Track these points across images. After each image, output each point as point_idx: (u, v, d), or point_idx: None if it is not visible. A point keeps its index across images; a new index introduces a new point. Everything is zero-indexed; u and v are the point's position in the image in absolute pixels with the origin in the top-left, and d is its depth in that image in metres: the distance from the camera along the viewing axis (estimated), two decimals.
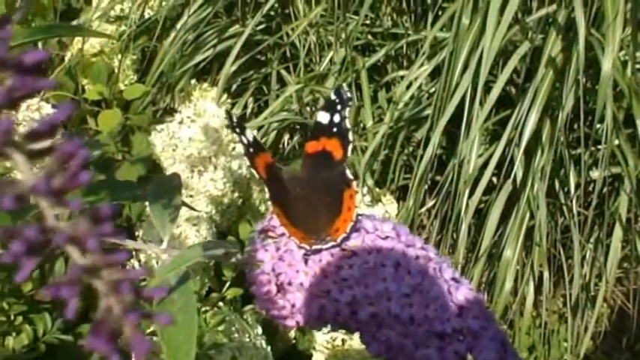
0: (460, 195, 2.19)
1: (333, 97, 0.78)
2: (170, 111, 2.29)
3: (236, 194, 2.05)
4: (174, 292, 0.73)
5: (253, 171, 0.77)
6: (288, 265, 0.69)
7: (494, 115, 2.28)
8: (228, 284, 1.82)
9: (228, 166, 2.04)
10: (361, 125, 2.23)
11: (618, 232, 2.22)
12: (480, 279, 2.29)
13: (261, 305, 0.70)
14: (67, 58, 2.27)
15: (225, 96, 2.28)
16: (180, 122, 2.05)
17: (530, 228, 2.19)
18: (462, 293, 0.70)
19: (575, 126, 2.24)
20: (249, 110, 2.39)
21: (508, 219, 2.20)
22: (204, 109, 2.08)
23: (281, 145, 2.43)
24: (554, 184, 2.28)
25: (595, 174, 2.26)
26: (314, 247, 0.69)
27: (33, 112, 1.94)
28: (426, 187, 2.32)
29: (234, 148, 2.08)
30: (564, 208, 2.25)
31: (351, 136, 0.78)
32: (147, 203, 1.90)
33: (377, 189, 2.15)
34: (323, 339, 1.94)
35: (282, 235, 0.71)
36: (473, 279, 2.21)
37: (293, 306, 0.69)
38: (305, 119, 2.29)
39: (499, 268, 2.16)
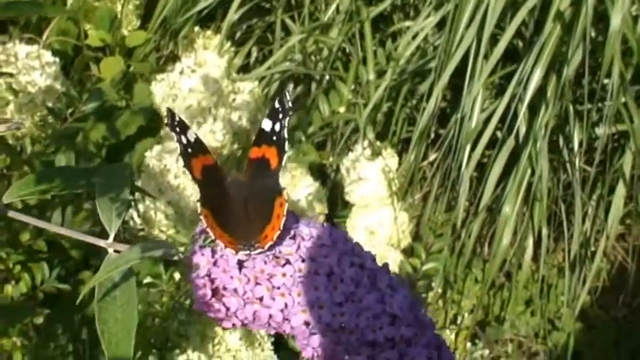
0: (462, 149, 2.18)
1: (276, 105, 0.77)
2: (173, 58, 2.27)
3: (235, 146, 2.05)
4: (117, 289, 0.73)
5: (186, 171, 0.76)
6: (223, 271, 0.69)
7: (500, 69, 2.24)
8: None
9: (227, 118, 2.03)
10: (365, 78, 2.20)
11: (621, 190, 2.20)
12: (480, 232, 2.29)
13: (199, 307, 0.71)
14: (69, 2, 2.25)
15: (228, 44, 2.26)
16: (181, 72, 2.04)
17: (531, 184, 2.18)
18: (397, 301, 0.70)
19: (582, 82, 2.20)
20: (252, 59, 2.37)
21: (509, 174, 2.18)
22: (205, 59, 2.06)
23: None
24: (557, 140, 2.25)
25: (600, 131, 2.22)
26: (240, 252, 0.69)
27: (33, 60, 1.94)
28: (429, 140, 2.30)
29: (234, 100, 2.07)
30: (567, 164, 2.22)
31: (287, 146, 0.77)
32: (147, 154, 1.92)
33: (378, 142, 2.14)
34: None
35: None
36: (472, 233, 2.21)
37: (228, 309, 0.70)
38: (308, 70, 2.27)
39: (498, 224, 2.15)
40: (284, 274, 0.69)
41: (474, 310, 2.21)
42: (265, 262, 0.69)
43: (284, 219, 0.70)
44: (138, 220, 1.94)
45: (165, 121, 0.77)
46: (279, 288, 0.69)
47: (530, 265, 2.27)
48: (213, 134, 2.00)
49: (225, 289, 0.69)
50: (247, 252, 0.69)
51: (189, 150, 0.76)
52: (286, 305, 0.69)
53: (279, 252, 0.70)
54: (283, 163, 0.77)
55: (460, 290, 2.27)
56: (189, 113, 2.01)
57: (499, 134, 2.23)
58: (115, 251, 0.77)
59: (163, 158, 1.92)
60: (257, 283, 0.69)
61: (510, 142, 2.19)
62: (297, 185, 2.09)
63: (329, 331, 0.69)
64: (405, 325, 0.70)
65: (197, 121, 2.00)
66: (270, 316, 0.69)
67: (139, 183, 1.95)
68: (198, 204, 0.72)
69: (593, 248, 2.25)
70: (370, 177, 2.09)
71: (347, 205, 2.15)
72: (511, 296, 2.26)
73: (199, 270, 0.70)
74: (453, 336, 2.21)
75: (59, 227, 0.80)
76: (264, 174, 0.76)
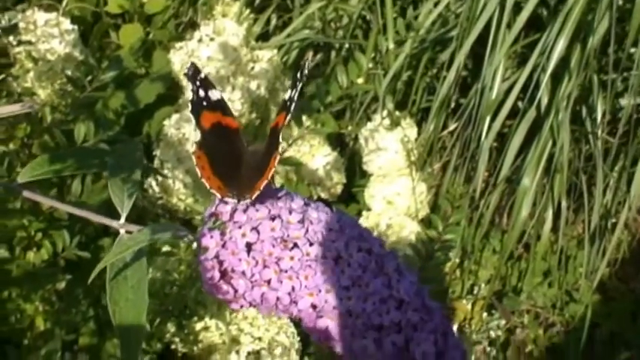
0: (482, 119, 2.17)
1: (297, 75, 0.79)
2: (192, 24, 2.27)
3: (254, 115, 2.05)
4: (128, 270, 0.75)
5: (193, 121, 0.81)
6: (231, 254, 0.70)
7: (523, 38, 2.22)
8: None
9: (246, 87, 2.03)
10: (384, 46, 2.19)
11: None
12: (499, 202, 2.29)
13: (207, 289, 0.72)
14: None
15: (247, 11, 2.25)
16: (200, 40, 2.03)
17: (552, 155, 2.17)
18: (404, 286, 0.71)
19: (607, 51, 2.17)
20: (271, 27, 2.36)
21: (530, 145, 2.17)
22: (224, 27, 2.06)
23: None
24: (580, 110, 2.24)
25: (624, 101, 2.20)
26: (226, 199, 0.72)
27: (52, 27, 1.94)
28: (449, 110, 2.29)
29: (252, 68, 2.07)
30: (590, 135, 2.20)
31: (293, 107, 0.79)
32: (165, 122, 1.93)
33: (397, 112, 2.13)
34: None
35: (229, 221, 0.72)
36: (490, 204, 2.21)
37: (236, 291, 0.71)
38: (328, 38, 2.26)
39: (517, 195, 2.15)
40: (292, 258, 0.70)
41: (491, 281, 2.22)
42: (273, 246, 0.70)
43: (273, 170, 0.72)
44: (157, 189, 1.96)
45: (186, 71, 0.80)
46: (286, 271, 0.70)
47: (549, 237, 2.27)
48: (231, 103, 2.00)
49: (233, 271, 0.70)
50: (233, 200, 0.71)
51: (204, 103, 0.80)
52: (293, 288, 0.70)
53: (288, 236, 0.70)
54: (286, 123, 0.78)
55: (477, 261, 2.27)
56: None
57: (520, 104, 2.22)
58: (127, 232, 0.78)
59: (182, 127, 1.93)
60: (265, 266, 0.70)
61: (532, 113, 2.18)
62: (315, 155, 2.09)
63: (335, 314, 0.70)
64: (411, 309, 0.71)
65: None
66: (278, 299, 0.70)
67: (157, 152, 1.97)
68: (194, 146, 0.75)
69: (613, 220, 2.24)
70: (389, 147, 2.09)
71: (365, 175, 2.15)
72: (529, 267, 2.27)
73: (208, 252, 0.71)
74: (469, 306, 2.22)
75: (72, 207, 0.81)
76: (272, 135, 0.78)
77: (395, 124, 2.12)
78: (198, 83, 0.81)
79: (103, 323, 1.90)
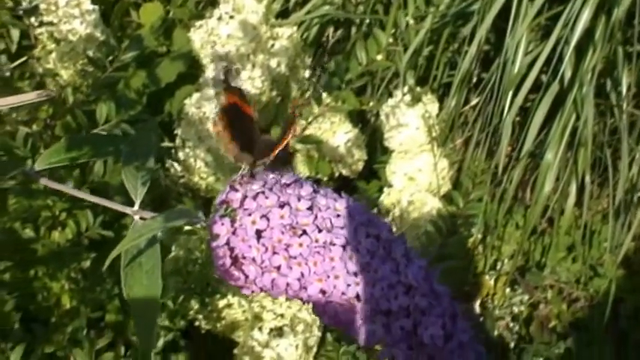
0: (505, 93, 2.16)
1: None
2: (212, 2, 2.28)
3: (274, 92, 2.06)
4: (143, 256, 0.77)
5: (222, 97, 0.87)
6: (242, 240, 0.72)
7: (547, 10, 2.20)
8: None
9: (266, 64, 2.04)
10: (404, 22, 2.19)
11: None
12: (522, 177, 2.29)
13: (219, 275, 0.74)
14: None
15: None
16: (219, 19, 2.04)
17: (576, 129, 2.15)
18: (412, 271, 0.72)
19: (633, 22, 2.15)
20: (291, 3, 2.36)
21: (553, 119, 2.16)
22: (243, 4, 2.06)
23: (324, 39, 2.41)
24: (605, 83, 2.22)
25: None
26: (237, 187, 0.75)
27: (73, 8, 1.96)
28: (471, 84, 2.28)
29: (272, 46, 2.08)
30: (614, 109, 2.19)
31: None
32: (186, 101, 1.94)
33: (418, 88, 2.13)
34: None
35: (240, 208, 0.74)
36: (513, 179, 2.21)
37: (247, 277, 0.73)
38: (348, 13, 2.26)
39: (540, 170, 2.14)
40: (300, 244, 0.71)
41: (514, 256, 2.22)
42: (282, 233, 0.71)
43: (290, 137, 0.74)
44: (178, 168, 1.98)
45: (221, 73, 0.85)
46: (295, 257, 0.71)
47: (573, 211, 2.27)
48: (251, 81, 2.01)
49: (244, 257, 0.72)
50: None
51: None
52: (302, 274, 0.71)
53: (296, 223, 0.72)
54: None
55: (500, 236, 2.27)
56: (228, 60, 2.02)
57: (543, 78, 2.21)
58: (141, 218, 0.80)
59: (202, 106, 1.95)
60: (274, 253, 0.71)
61: (555, 87, 2.17)
62: (336, 132, 2.10)
63: (344, 299, 0.72)
64: (419, 294, 0.72)
65: (236, 68, 2.02)
66: (288, 285, 0.72)
67: (178, 130, 1.99)
68: (218, 111, 0.78)
69: (639, 194, 2.23)
70: (410, 123, 2.09)
71: (387, 151, 2.16)
72: (552, 242, 2.26)
73: (219, 239, 0.73)
74: (492, 281, 2.23)
75: (87, 194, 0.83)
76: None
77: (416, 100, 2.12)
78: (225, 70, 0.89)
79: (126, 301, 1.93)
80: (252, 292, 0.73)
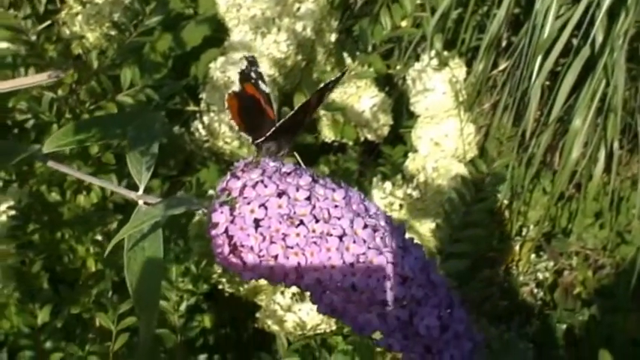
0: (534, 57, 2.13)
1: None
2: None
3: (300, 57, 2.06)
4: (145, 241, 0.78)
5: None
6: (240, 229, 0.73)
7: None
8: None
9: (292, 28, 2.03)
10: None
11: None
12: (551, 141, 2.26)
13: (218, 261, 0.75)
14: None
15: None
16: None
17: (606, 94, 2.12)
18: (408, 262, 0.73)
19: None
20: None
21: (583, 84, 2.13)
22: None
23: (351, 1, 2.38)
24: (637, 48, 2.17)
25: None
26: (238, 174, 0.77)
27: None
28: (500, 48, 2.25)
29: (298, 9, 2.06)
30: None
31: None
32: (211, 65, 1.94)
33: (445, 52, 2.10)
34: (381, 203, 1.99)
35: (239, 196, 0.75)
36: (541, 144, 2.19)
37: (245, 264, 0.74)
38: None
39: (568, 136, 2.12)
40: (297, 234, 0.72)
41: (540, 222, 2.21)
42: (280, 222, 0.72)
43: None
44: (203, 132, 1.99)
45: (247, 58, 0.85)
46: (292, 247, 0.72)
47: (602, 177, 2.24)
48: (277, 45, 2.00)
49: (242, 246, 0.73)
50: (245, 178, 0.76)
51: (252, 81, 0.88)
52: (299, 264, 0.72)
53: (294, 213, 0.72)
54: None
55: (527, 201, 2.26)
56: (254, 23, 2.02)
57: (574, 42, 2.17)
58: (145, 203, 0.81)
59: (227, 70, 1.95)
60: (272, 242, 0.72)
61: (586, 51, 2.13)
62: (362, 96, 2.09)
63: (340, 289, 0.72)
64: (416, 285, 0.73)
65: (261, 31, 2.01)
66: (285, 273, 0.73)
67: (203, 95, 1.99)
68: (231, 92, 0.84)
69: None
70: (436, 88, 2.07)
71: (412, 116, 2.15)
72: (579, 208, 2.25)
73: (218, 227, 0.74)
74: (517, 247, 2.22)
75: (92, 177, 0.84)
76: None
77: (443, 64, 2.10)
78: (253, 69, 0.90)
79: None
80: (251, 278, 0.74)
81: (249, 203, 0.73)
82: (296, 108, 0.80)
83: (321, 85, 0.81)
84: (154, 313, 0.76)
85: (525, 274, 2.18)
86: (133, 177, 0.82)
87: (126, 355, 1.65)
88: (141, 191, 0.81)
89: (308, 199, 0.73)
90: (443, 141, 2.09)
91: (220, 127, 1.95)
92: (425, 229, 1.98)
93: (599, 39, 2.09)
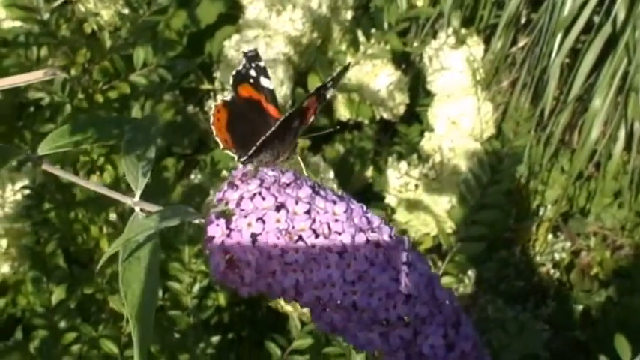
0: (554, 34, 2.06)
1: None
2: None
3: (315, 34, 2.00)
4: (141, 250, 0.74)
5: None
6: (237, 244, 0.68)
7: None
8: None
9: (307, 5, 1.97)
10: None
11: None
12: (570, 120, 2.20)
13: (214, 274, 0.71)
14: None
15: None
16: None
17: (627, 73, 2.05)
18: (412, 280, 0.68)
19: None
20: None
21: (604, 63, 2.06)
22: None
23: None
24: None
25: None
26: (237, 183, 0.72)
27: None
28: (519, 25, 2.18)
29: None
30: None
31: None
32: (225, 44, 1.89)
33: (463, 30, 2.04)
34: (397, 183, 1.95)
35: (236, 208, 0.70)
36: (560, 122, 2.13)
37: (242, 279, 0.70)
38: None
39: (587, 116, 2.05)
40: (296, 250, 0.67)
41: (558, 202, 2.15)
42: (278, 237, 0.68)
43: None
44: None
45: (246, 52, 0.79)
46: (290, 264, 0.67)
47: (622, 156, 2.18)
48: (292, 22, 1.95)
49: (239, 260, 0.69)
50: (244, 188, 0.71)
51: (251, 80, 0.82)
52: (298, 281, 0.68)
53: (293, 227, 0.68)
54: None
55: (544, 181, 2.20)
56: (269, 0, 1.96)
57: (595, 19, 2.09)
58: (142, 210, 0.77)
59: (241, 48, 1.90)
60: (269, 258, 0.68)
61: (607, 29, 2.05)
62: (378, 74, 2.04)
63: (340, 308, 0.68)
64: (420, 303, 0.68)
65: (276, 9, 1.95)
66: (283, 290, 0.69)
67: (217, 74, 1.95)
68: (219, 101, 0.79)
69: None
70: (453, 66, 2.02)
71: (429, 94, 2.09)
72: (598, 188, 2.18)
73: (214, 241, 0.70)
74: (534, 227, 2.17)
75: (88, 182, 0.81)
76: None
77: (460, 42, 2.04)
78: (254, 66, 0.84)
79: (164, 245, 1.93)
80: (249, 293, 0.70)
81: (246, 216, 0.69)
82: (284, 116, 0.75)
83: (319, 85, 0.76)
84: (150, 326, 0.73)
85: (542, 254, 2.13)
86: (129, 182, 0.78)
87: None
88: (137, 197, 0.77)
89: (307, 212, 0.69)
90: (460, 120, 2.03)
91: None
92: (440, 209, 1.93)
93: (621, 16, 2.01)
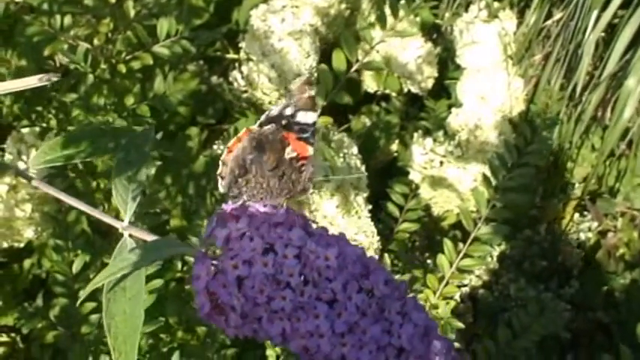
0: (591, 9, 1.94)
1: None
2: None
3: (343, 5, 1.92)
4: (127, 280, 0.69)
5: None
6: (222, 286, 0.63)
7: None
8: (318, 113, 1.74)
9: None
10: None
11: None
12: (603, 97, 2.09)
13: (199, 314, 0.66)
14: None
15: None
16: None
17: None
18: (406, 332, 0.63)
19: None
20: None
21: None
22: None
23: None
24: None
25: None
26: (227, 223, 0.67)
27: None
28: None
29: None
30: None
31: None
32: (252, 13, 1.82)
33: (496, 3, 1.94)
34: (421, 160, 1.88)
35: (225, 245, 0.65)
36: (592, 100, 2.03)
37: (227, 321, 0.65)
38: None
39: (621, 95, 1.95)
40: (284, 298, 0.62)
41: (587, 180, 2.06)
42: (265, 284, 0.62)
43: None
44: (241, 82, 1.89)
45: (299, 80, 0.72)
46: (277, 312, 0.62)
47: None
48: None
49: (224, 304, 0.64)
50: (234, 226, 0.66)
51: (283, 122, 0.75)
52: (284, 330, 0.63)
53: (281, 273, 0.63)
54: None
55: (574, 158, 2.11)
56: None
57: None
58: (130, 235, 0.72)
59: (267, 19, 1.83)
60: (255, 304, 0.63)
61: None
62: (406, 47, 1.95)
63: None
64: (413, 356, 0.63)
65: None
66: (270, 337, 0.64)
67: (243, 44, 1.88)
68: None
69: None
70: (485, 40, 1.92)
71: (459, 67, 2.00)
72: (629, 167, 2.09)
73: (199, 282, 0.65)
74: (560, 206, 2.09)
75: (79, 202, 0.76)
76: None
77: (493, 16, 1.94)
78: (296, 99, 0.75)
79: (189, 211, 1.90)
80: (235, 336, 0.66)
81: (232, 258, 0.64)
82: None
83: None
84: (133, 356, 0.68)
85: (568, 233, 2.05)
86: (118, 206, 0.73)
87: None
88: (126, 222, 0.72)
89: (297, 257, 0.63)
90: (489, 95, 1.95)
91: (259, 78, 1.84)
92: (464, 187, 1.87)
93: None
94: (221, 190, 0.72)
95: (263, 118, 0.75)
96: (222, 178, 0.74)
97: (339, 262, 0.63)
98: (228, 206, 0.67)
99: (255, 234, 0.64)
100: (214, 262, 0.65)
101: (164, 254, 0.67)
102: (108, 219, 0.74)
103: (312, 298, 0.62)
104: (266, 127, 0.74)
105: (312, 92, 0.74)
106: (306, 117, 0.74)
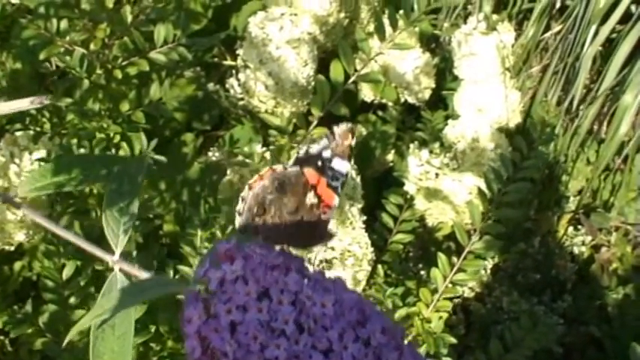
0: (589, 24, 1.92)
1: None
2: None
3: (342, 14, 1.88)
4: (116, 317, 0.66)
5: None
6: (214, 331, 0.60)
7: None
8: (314, 124, 1.71)
9: None
10: None
11: None
12: (600, 111, 2.07)
13: (191, 358, 0.63)
14: None
15: None
16: None
17: None
18: None
19: None
20: None
21: (638, 57, 1.92)
22: None
23: None
24: None
25: None
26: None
27: None
28: (554, 11, 2.04)
29: None
30: None
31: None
32: (250, 20, 1.79)
33: (495, 16, 1.91)
34: (417, 171, 1.85)
35: (218, 288, 0.62)
36: (589, 114, 2.00)
37: None
38: None
39: (617, 110, 1.93)
40: (278, 346, 0.59)
41: (582, 193, 2.04)
42: (258, 330, 0.59)
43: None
44: (238, 89, 1.85)
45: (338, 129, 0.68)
46: None
47: None
48: (319, 1, 1.84)
49: (215, 349, 0.61)
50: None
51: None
52: None
53: (276, 320, 0.59)
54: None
55: (569, 172, 2.08)
56: None
57: (633, 8, 1.94)
58: (121, 270, 0.69)
59: (266, 26, 1.79)
60: (249, 351, 0.60)
61: None
62: (404, 57, 1.92)
63: None
64: None
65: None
66: None
67: (240, 51, 1.85)
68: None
69: None
70: (482, 53, 1.89)
71: (457, 78, 1.97)
72: (624, 181, 2.06)
73: (190, 325, 0.61)
74: (554, 219, 2.06)
75: (68, 232, 0.72)
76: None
77: (491, 28, 1.91)
78: (335, 144, 0.71)
79: (182, 217, 1.88)
80: None
81: (225, 302, 0.60)
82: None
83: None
84: None
85: (561, 247, 2.03)
86: (109, 239, 0.69)
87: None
88: (117, 256, 0.69)
89: (293, 303, 0.60)
90: (486, 107, 1.92)
91: (256, 86, 1.80)
92: (459, 200, 1.84)
93: None
94: (237, 227, 0.69)
95: (302, 152, 0.71)
96: (240, 214, 0.71)
97: (336, 310, 0.60)
98: (222, 245, 0.64)
99: (250, 277, 0.61)
100: (207, 303, 0.61)
101: (154, 294, 0.64)
102: (98, 252, 0.71)
103: (308, 347, 0.59)
104: (290, 169, 0.71)
105: (353, 142, 0.71)
106: (341, 165, 0.70)
